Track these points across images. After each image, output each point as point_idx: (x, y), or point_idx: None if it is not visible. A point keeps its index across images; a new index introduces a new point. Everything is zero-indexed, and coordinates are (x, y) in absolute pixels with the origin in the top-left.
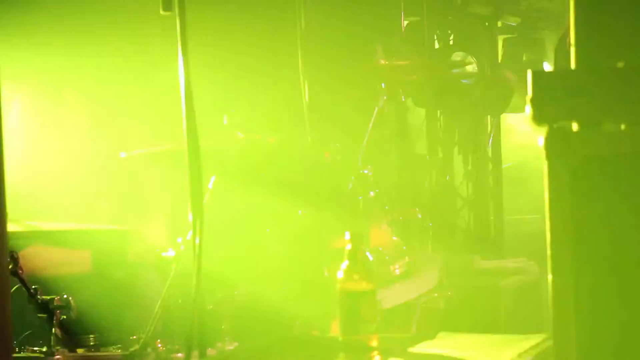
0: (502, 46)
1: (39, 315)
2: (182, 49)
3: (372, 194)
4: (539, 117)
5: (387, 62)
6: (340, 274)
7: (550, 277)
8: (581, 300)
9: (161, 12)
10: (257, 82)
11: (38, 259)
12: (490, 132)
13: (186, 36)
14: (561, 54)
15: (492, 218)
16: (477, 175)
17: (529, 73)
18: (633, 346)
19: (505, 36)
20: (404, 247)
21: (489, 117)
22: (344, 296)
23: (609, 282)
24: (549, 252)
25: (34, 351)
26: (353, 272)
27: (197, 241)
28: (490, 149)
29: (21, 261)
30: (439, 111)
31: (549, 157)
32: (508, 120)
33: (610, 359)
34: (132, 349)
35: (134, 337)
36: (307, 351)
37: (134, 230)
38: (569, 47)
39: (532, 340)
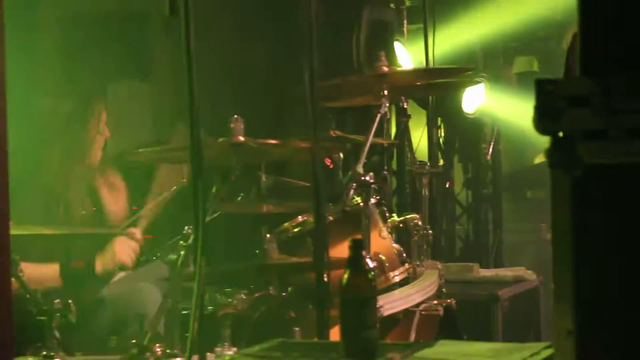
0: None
1: (38, 318)
2: (186, 55)
3: (372, 201)
4: (542, 127)
5: (390, 69)
6: (342, 280)
7: (553, 286)
8: (583, 311)
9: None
10: (261, 86)
11: None
12: (490, 140)
13: (190, 41)
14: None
15: (491, 226)
16: (477, 184)
17: (535, 80)
18: (636, 355)
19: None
20: (404, 255)
21: (489, 125)
22: (345, 302)
23: (612, 291)
24: (552, 261)
25: (33, 354)
26: (354, 278)
27: (198, 245)
28: (490, 157)
29: None
30: (439, 119)
31: (552, 166)
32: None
33: None
34: (131, 353)
35: (133, 341)
36: (307, 357)
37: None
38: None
39: (532, 349)
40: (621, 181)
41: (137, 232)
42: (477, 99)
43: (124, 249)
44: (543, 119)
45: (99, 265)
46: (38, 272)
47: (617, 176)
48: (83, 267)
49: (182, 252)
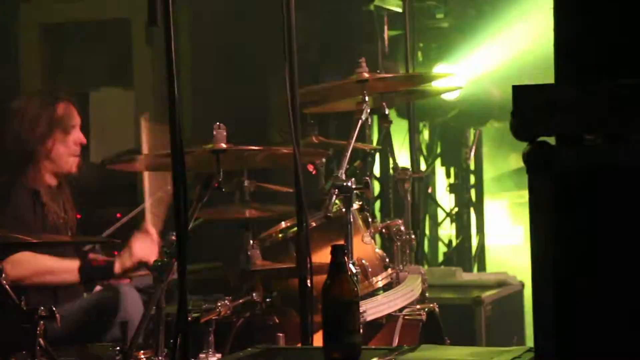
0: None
1: (23, 325)
2: (168, 63)
3: (355, 206)
4: (521, 132)
5: (370, 75)
6: (323, 285)
7: (532, 290)
8: (563, 313)
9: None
10: (243, 93)
11: (25, 265)
12: (472, 144)
13: (172, 49)
14: None
15: (474, 231)
16: (459, 188)
17: (512, 87)
18: (614, 358)
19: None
20: (387, 260)
21: (471, 129)
22: (328, 307)
23: (591, 294)
24: (531, 265)
25: None
26: (336, 283)
27: (181, 252)
28: (472, 162)
29: (7, 267)
30: (421, 124)
31: (530, 171)
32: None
33: None
34: None
35: (117, 348)
36: None
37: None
38: None
39: (513, 353)
40: (598, 185)
41: (152, 229)
42: None
43: (142, 246)
44: (520, 125)
45: (118, 266)
46: (58, 265)
47: (594, 180)
48: (103, 266)
49: (166, 259)
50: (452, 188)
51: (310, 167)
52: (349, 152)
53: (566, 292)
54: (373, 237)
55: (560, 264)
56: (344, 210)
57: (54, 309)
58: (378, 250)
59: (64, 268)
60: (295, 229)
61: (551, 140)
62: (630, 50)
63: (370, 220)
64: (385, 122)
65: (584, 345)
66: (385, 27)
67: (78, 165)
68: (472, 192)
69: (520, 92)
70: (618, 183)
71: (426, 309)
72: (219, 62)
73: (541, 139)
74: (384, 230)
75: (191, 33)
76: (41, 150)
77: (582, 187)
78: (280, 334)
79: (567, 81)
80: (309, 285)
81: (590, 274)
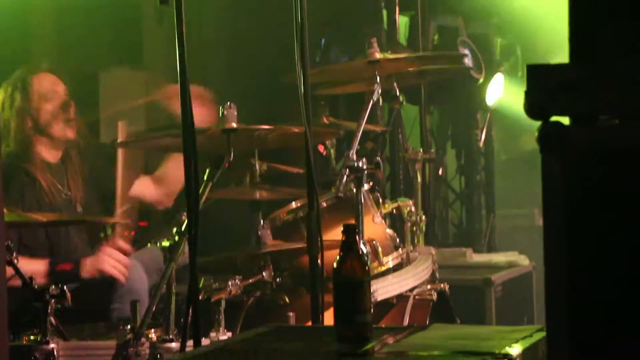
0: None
1: (34, 303)
2: (179, 44)
3: (366, 187)
4: (534, 111)
5: (381, 56)
6: (334, 265)
7: (544, 270)
8: (575, 293)
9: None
10: (253, 73)
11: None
12: (483, 126)
13: (183, 30)
14: None
15: (484, 212)
16: (470, 170)
17: (527, 66)
18: (625, 338)
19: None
20: (397, 240)
21: (481, 111)
22: (339, 286)
23: (603, 275)
24: (543, 245)
25: (29, 339)
26: (347, 263)
27: (192, 231)
28: (482, 144)
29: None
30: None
31: (543, 151)
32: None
33: (603, 351)
34: (125, 339)
35: (128, 326)
36: (301, 341)
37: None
38: None
39: (524, 332)
40: (612, 166)
41: (124, 243)
42: (496, 92)
43: (108, 260)
44: (534, 104)
45: (85, 272)
46: (26, 267)
47: (607, 161)
48: (70, 270)
49: (177, 238)
50: (463, 170)
51: (321, 148)
52: (360, 132)
53: (579, 273)
54: (384, 218)
55: (573, 245)
56: (354, 190)
57: (64, 287)
58: (388, 231)
59: (33, 271)
60: (306, 208)
61: (565, 120)
62: None
63: (380, 200)
64: (396, 103)
65: (597, 326)
66: (397, 8)
67: (76, 130)
68: (483, 173)
69: (534, 71)
70: (633, 164)
71: (437, 289)
72: (229, 43)
73: (555, 118)
74: (394, 210)
75: (201, 13)
76: (32, 126)
77: (596, 168)
78: (291, 313)
79: (582, 60)
80: (319, 264)
81: (604, 255)
